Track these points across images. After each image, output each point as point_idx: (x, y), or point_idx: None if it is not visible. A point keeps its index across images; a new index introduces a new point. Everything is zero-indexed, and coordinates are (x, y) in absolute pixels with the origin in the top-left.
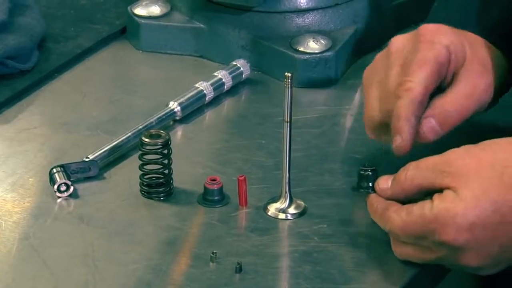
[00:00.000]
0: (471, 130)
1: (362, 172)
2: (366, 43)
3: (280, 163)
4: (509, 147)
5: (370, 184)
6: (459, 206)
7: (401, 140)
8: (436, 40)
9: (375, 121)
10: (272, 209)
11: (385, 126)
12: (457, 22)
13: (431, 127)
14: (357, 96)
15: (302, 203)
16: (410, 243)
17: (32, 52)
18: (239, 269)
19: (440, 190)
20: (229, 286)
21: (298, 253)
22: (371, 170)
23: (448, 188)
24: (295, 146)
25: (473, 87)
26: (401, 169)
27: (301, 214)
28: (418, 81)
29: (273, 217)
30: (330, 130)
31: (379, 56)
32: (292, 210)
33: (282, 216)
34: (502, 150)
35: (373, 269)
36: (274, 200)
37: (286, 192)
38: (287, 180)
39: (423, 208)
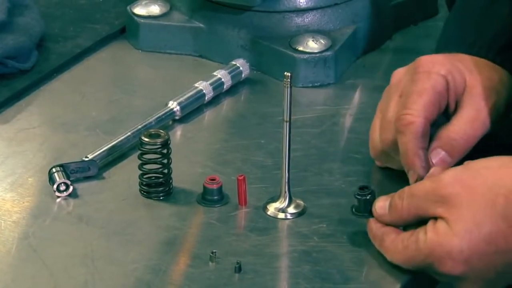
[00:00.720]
0: None
1: (359, 197)
2: (366, 43)
3: (280, 163)
4: (500, 172)
5: (368, 208)
6: (454, 241)
7: (417, 175)
8: (433, 70)
9: (377, 149)
10: (272, 208)
11: (386, 154)
12: (457, 44)
13: (441, 158)
14: (356, 96)
15: (301, 202)
16: None
17: (31, 52)
18: (239, 269)
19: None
20: (229, 286)
21: (297, 252)
22: (368, 194)
23: (441, 217)
24: (294, 146)
25: (477, 111)
26: (397, 196)
27: (300, 213)
28: (417, 113)
29: (272, 217)
30: (330, 130)
31: (386, 88)
32: (291, 209)
33: (281, 215)
34: (493, 175)
35: (372, 269)
36: (274, 199)
37: (285, 192)
38: (286, 180)
39: (417, 243)
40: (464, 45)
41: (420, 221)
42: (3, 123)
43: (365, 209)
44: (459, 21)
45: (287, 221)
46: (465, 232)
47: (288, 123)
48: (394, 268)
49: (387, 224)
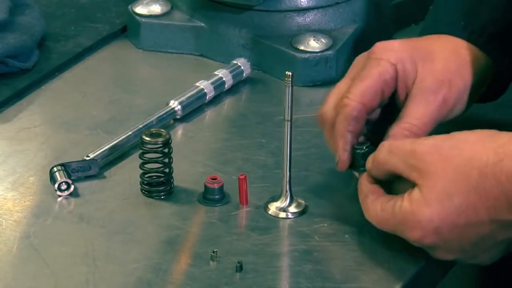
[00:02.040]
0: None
1: (358, 150)
2: (367, 42)
3: (281, 162)
4: (478, 146)
5: (363, 163)
6: (425, 211)
7: (337, 158)
8: (383, 57)
9: (323, 120)
10: (273, 208)
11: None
12: (447, 25)
13: None
14: None
15: (302, 202)
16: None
17: (32, 51)
18: (240, 268)
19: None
20: (230, 285)
21: (298, 252)
22: (367, 147)
23: (415, 183)
24: (295, 145)
25: (426, 105)
26: (378, 149)
27: (301, 213)
28: (355, 97)
29: (273, 216)
30: None
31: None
32: (292, 209)
33: (282, 215)
34: (470, 150)
35: (373, 268)
36: (275, 199)
37: (286, 191)
38: (287, 179)
39: (394, 207)
40: (455, 27)
41: (403, 182)
42: (4, 122)
43: (361, 163)
44: (452, 3)
45: (288, 221)
46: (436, 203)
47: (289, 122)
48: (395, 268)
49: (377, 182)
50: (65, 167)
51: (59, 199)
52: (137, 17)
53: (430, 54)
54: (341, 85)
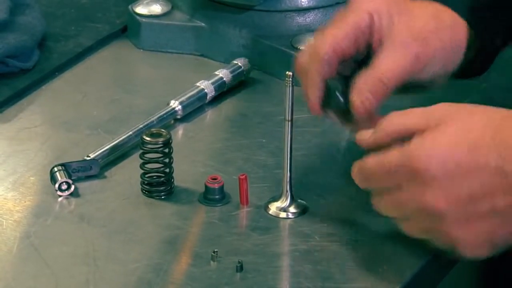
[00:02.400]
0: None
1: (332, 86)
2: None
3: (281, 162)
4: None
5: (339, 101)
6: (438, 139)
7: (308, 102)
8: (361, 7)
9: (301, 67)
10: (273, 208)
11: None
12: None
13: (367, 99)
14: None
15: (303, 202)
16: (382, 189)
17: (33, 51)
18: (240, 268)
19: None
20: (230, 285)
21: (299, 252)
22: (341, 84)
23: (430, 129)
24: (296, 145)
25: (398, 57)
26: (382, 119)
27: (302, 213)
28: (328, 41)
29: (274, 216)
30: (331, 129)
31: None
32: (293, 209)
33: (283, 215)
34: (495, 112)
35: (374, 268)
36: (275, 199)
37: (287, 191)
38: (288, 179)
39: (401, 145)
40: None
41: None
42: (4, 122)
43: (335, 100)
44: None
45: (288, 221)
46: (451, 135)
47: (289, 123)
48: (395, 268)
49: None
50: (65, 167)
51: (60, 199)
52: (138, 17)
53: (409, 11)
54: (319, 35)
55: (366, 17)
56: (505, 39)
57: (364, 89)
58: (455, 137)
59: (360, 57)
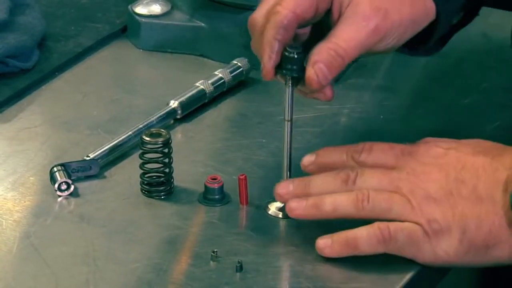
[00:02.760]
0: (469, 125)
1: (288, 54)
2: None
3: (281, 162)
4: None
5: (294, 67)
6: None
7: (262, 65)
8: None
9: (255, 26)
10: (273, 208)
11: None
12: None
13: (322, 71)
14: (357, 96)
15: None
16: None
17: (33, 51)
18: (240, 268)
19: None
20: (230, 285)
21: (299, 252)
22: (298, 52)
23: None
24: (295, 145)
25: (356, 30)
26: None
27: None
28: (287, 5)
29: (273, 216)
30: (330, 129)
31: None
32: None
33: (283, 215)
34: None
35: (373, 268)
36: (275, 199)
37: None
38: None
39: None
40: None
41: None
42: (4, 122)
43: (289, 67)
44: None
45: (288, 220)
46: None
47: (289, 122)
48: (395, 268)
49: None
50: (65, 167)
51: (59, 199)
52: (137, 17)
53: None
54: None
55: None
56: (461, 20)
57: (320, 61)
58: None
59: (317, 19)
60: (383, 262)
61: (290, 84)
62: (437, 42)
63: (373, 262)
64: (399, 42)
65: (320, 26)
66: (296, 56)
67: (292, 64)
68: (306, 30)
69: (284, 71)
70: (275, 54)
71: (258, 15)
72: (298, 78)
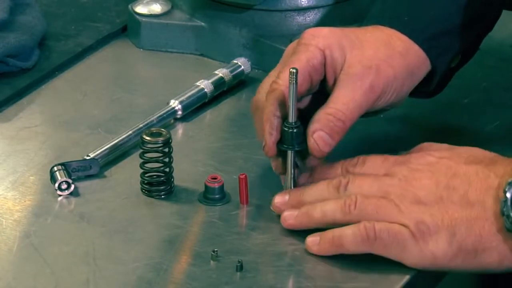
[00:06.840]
0: (470, 127)
1: (287, 129)
2: None
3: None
4: None
5: (294, 142)
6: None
7: (263, 142)
8: (312, 43)
9: (257, 107)
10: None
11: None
12: (389, 18)
13: (322, 138)
14: None
15: None
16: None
17: (33, 50)
18: (240, 267)
19: None
20: (230, 285)
21: (299, 251)
22: (297, 126)
23: None
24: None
25: (352, 91)
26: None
27: None
28: (283, 81)
29: (278, 213)
30: None
31: None
32: None
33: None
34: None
35: (374, 267)
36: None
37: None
38: (291, 177)
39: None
40: (397, 22)
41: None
42: (4, 122)
43: (290, 142)
44: None
45: None
46: None
47: (290, 122)
48: (395, 268)
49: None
50: (65, 166)
51: (60, 198)
52: (138, 17)
53: (360, 42)
54: (273, 73)
55: (318, 54)
56: (460, 61)
57: (319, 129)
58: None
59: (314, 90)
60: (383, 262)
61: (294, 81)
62: (439, 84)
63: (373, 262)
64: (399, 95)
65: (319, 92)
66: (295, 131)
67: (292, 139)
68: (305, 101)
69: (285, 146)
70: (275, 130)
71: (260, 97)
72: (301, 150)
